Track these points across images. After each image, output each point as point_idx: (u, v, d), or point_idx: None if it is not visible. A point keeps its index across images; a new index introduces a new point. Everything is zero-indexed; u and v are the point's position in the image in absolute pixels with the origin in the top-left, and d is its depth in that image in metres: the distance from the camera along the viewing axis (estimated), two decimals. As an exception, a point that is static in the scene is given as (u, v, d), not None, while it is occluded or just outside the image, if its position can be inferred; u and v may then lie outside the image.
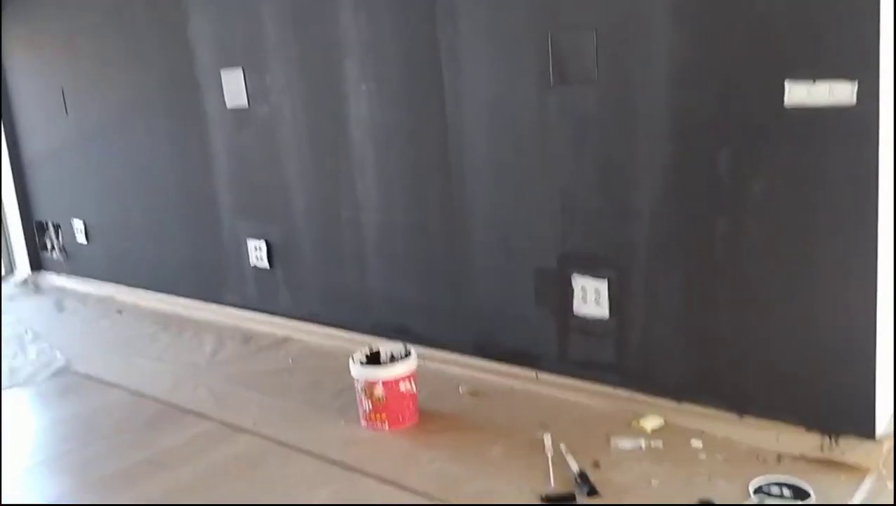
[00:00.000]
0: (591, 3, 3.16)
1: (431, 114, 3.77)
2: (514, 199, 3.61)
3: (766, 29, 2.75)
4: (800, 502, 2.56)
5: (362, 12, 3.90)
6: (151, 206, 5.37)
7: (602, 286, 3.40)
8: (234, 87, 4.55)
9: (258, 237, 4.77)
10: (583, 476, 2.80)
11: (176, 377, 4.13)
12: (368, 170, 4.13)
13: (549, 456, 3.00)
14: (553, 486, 2.79)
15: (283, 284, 4.75)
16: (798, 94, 2.70)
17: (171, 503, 2.38)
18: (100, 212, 5.84)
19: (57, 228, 6.31)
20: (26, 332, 5.11)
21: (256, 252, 4.80)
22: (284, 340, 4.61)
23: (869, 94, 2.58)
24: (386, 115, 3.97)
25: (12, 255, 6.70)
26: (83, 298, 5.91)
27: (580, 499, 2.69)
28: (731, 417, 3.08)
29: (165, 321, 5.15)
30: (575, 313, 3.51)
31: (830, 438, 2.84)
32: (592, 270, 3.43)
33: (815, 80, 2.66)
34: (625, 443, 3.05)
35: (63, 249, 6.29)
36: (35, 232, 6.57)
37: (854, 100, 2.60)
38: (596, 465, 2.93)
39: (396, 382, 3.38)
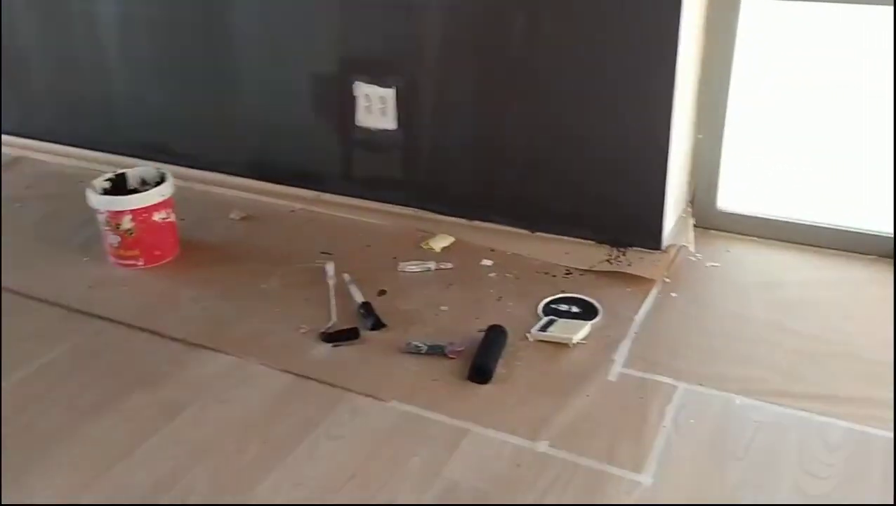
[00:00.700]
0: None
1: None
2: (282, -12, 3.02)
3: None
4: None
5: None
6: None
7: (388, 95, 3.01)
8: None
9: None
10: (366, 307, 2.54)
11: None
12: (98, -52, 3.29)
13: (332, 286, 2.70)
14: (335, 321, 2.51)
15: (10, 96, 3.88)
16: None
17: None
18: None
19: None
20: None
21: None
22: (14, 163, 3.83)
23: None
24: None
25: None
26: None
27: (364, 333, 2.44)
28: (523, 233, 2.93)
29: None
30: (358, 126, 3.11)
31: (618, 250, 2.78)
32: (377, 77, 3.01)
33: None
34: (412, 266, 2.82)
35: None
36: None
37: None
38: (382, 293, 2.68)
39: (148, 211, 2.86)
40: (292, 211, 3.31)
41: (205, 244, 3.09)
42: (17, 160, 3.85)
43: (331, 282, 2.73)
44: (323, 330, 2.46)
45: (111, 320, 2.58)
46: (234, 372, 2.30)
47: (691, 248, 2.77)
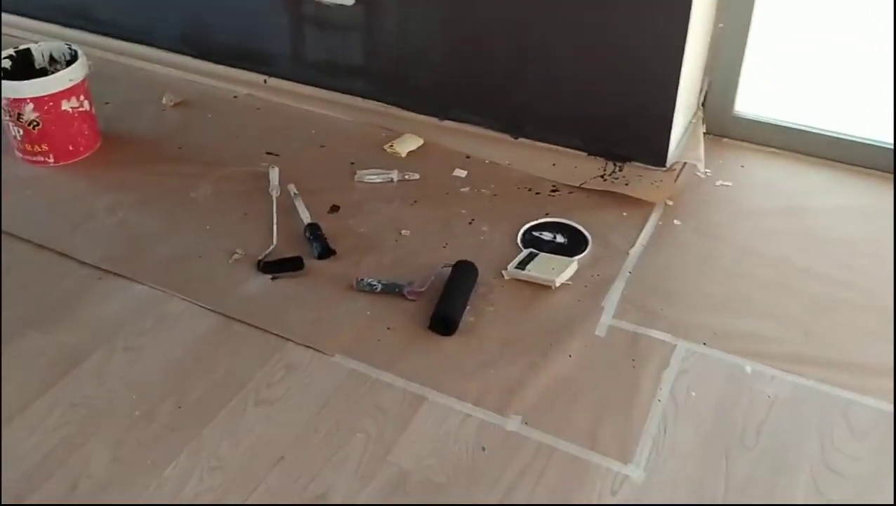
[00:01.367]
0: None
1: None
2: None
3: None
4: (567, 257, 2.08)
5: None
6: None
7: (345, -40, 2.47)
8: None
9: None
10: (314, 229, 2.13)
11: None
12: None
13: (275, 199, 2.28)
14: (275, 245, 2.11)
15: None
16: None
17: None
18: None
19: None
20: None
21: None
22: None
23: None
24: None
25: None
26: None
27: (309, 262, 2.05)
28: (503, 138, 2.48)
29: None
30: (312, -1, 2.58)
31: (614, 165, 2.35)
32: (333, -64, 2.45)
33: None
34: (372, 176, 2.39)
35: None
36: None
37: None
38: (334, 209, 2.26)
39: (55, 99, 2.37)
40: (234, 97, 2.82)
41: (129, 137, 2.62)
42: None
43: (274, 194, 2.30)
44: (261, 257, 2.06)
45: (9, 234, 2.16)
46: (150, 308, 1.92)
47: (700, 166, 2.35)
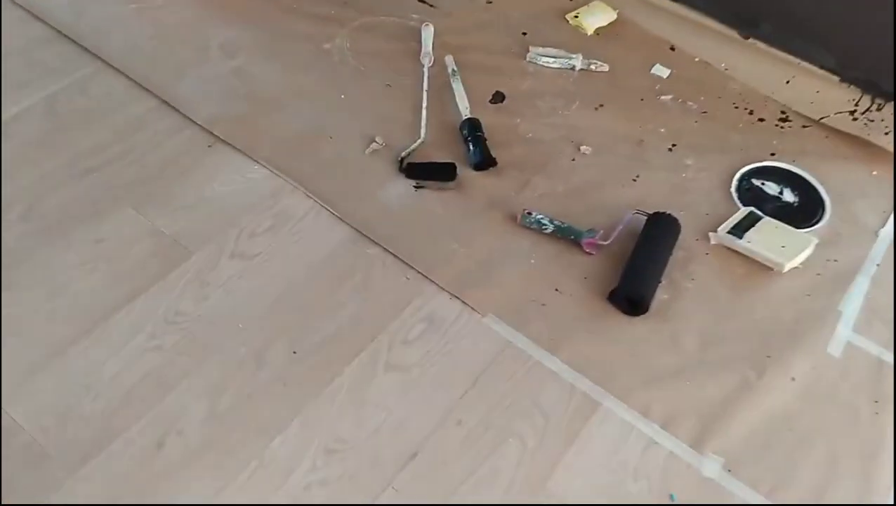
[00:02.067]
0: None
1: None
2: None
3: None
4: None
5: None
6: None
7: None
8: None
9: None
10: (473, 128, 1.68)
11: None
12: None
13: (427, 70, 1.81)
14: (423, 140, 1.68)
15: None
16: None
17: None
18: None
19: None
20: None
21: None
22: None
23: None
24: None
25: None
26: None
27: (463, 171, 1.62)
28: (727, 32, 1.89)
29: None
30: None
31: (873, 100, 1.77)
32: None
33: None
34: (549, 58, 1.88)
35: None
36: None
37: None
38: (498, 98, 1.79)
39: None
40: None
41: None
42: None
43: (426, 63, 1.83)
44: (404, 154, 1.64)
45: (102, 60, 1.79)
46: (267, 201, 1.56)
47: None
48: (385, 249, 1.49)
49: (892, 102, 1.73)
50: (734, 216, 1.55)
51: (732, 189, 1.63)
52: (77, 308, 1.37)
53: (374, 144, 1.66)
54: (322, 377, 1.31)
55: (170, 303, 1.39)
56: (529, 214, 1.53)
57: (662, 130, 1.75)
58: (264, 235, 1.50)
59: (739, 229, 1.52)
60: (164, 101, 1.73)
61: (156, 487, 1.18)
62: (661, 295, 1.45)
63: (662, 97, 1.82)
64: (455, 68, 1.81)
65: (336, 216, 1.53)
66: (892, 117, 1.73)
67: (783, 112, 1.80)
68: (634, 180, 1.64)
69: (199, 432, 1.24)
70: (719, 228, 1.53)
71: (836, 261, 1.52)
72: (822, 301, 1.46)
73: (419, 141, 1.67)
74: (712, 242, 1.53)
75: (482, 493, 1.20)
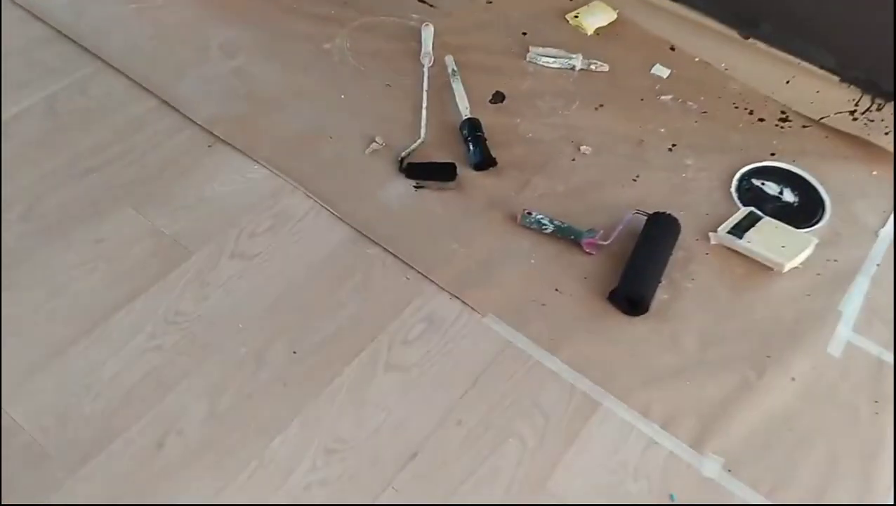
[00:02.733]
0: None
1: None
2: None
3: None
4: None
5: None
6: None
7: None
8: None
9: None
10: (472, 128, 1.68)
11: None
12: None
13: (427, 70, 1.81)
14: (423, 139, 1.68)
15: None
16: None
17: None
18: None
19: None
20: None
21: None
22: None
23: None
24: None
25: None
26: None
27: (463, 171, 1.62)
28: (727, 33, 1.89)
29: None
30: None
31: (873, 101, 1.76)
32: None
33: None
34: (549, 58, 1.88)
35: None
36: None
37: None
38: (498, 98, 1.79)
39: None
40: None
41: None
42: None
43: (426, 63, 1.83)
44: (404, 154, 1.64)
45: (102, 61, 1.79)
46: (267, 201, 1.55)
47: None
48: (385, 249, 1.49)
49: (892, 102, 1.73)
50: (734, 216, 1.55)
51: (732, 189, 1.63)
52: (77, 308, 1.37)
53: (374, 144, 1.66)
54: (322, 377, 1.31)
55: (170, 303, 1.39)
56: (529, 214, 1.53)
57: (662, 130, 1.75)
58: (264, 235, 1.50)
59: (739, 229, 1.52)
60: (164, 101, 1.73)
61: (156, 487, 1.18)
62: (661, 295, 1.45)
63: (662, 97, 1.82)
64: (455, 68, 1.81)
65: (336, 216, 1.53)
66: (892, 117, 1.73)
67: (783, 112, 1.80)
68: (634, 180, 1.64)
69: (199, 432, 1.23)
70: (719, 228, 1.53)
71: (836, 261, 1.52)
72: (822, 301, 1.46)
73: (419, 141, 1.67)
74: (712, 242, 1.53)
75: (482, 493, 1.20)
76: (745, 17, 1.85)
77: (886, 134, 1.71)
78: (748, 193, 1.62)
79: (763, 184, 1.64)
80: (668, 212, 1.53)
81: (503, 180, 1.62)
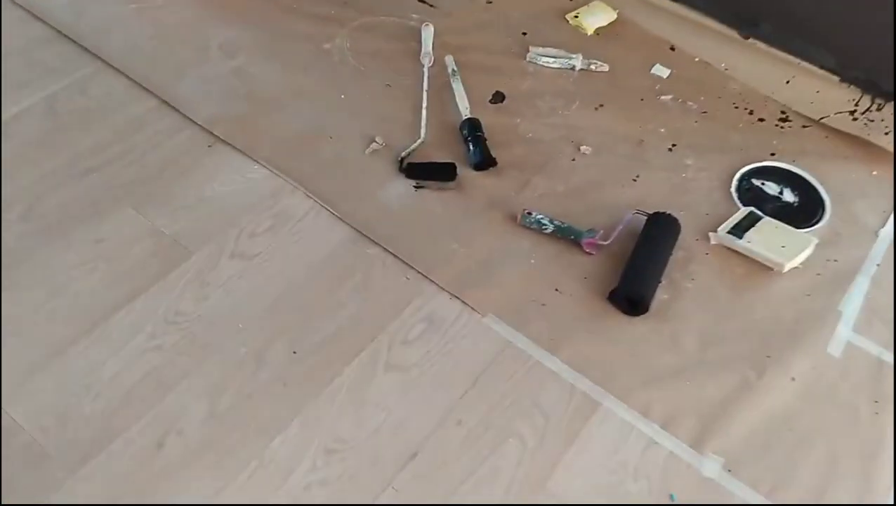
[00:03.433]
0: None
1: None
2: None
3: None
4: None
5: None
6: None
7: None
8: None
9: None
10: (473, 128, 1.68)
11: None
12: None
13: (427, 70, 1.81)
14: (423, 139, 1.68)
15: None
16: None
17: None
18: None
19: None
20: None
21: None
22: None
23: None
24: None
25: None
26: None
27: (463, 171, 1.62)
28: (727, 33, 1.89)
29: None
30: None
31: (873, 101, 1.77)
32: None
33: None
34: (549, 58, 1.88)
35: None
36: None
37: None
38: (498, 98, 1.79)
39: None
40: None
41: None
42: None
43: (426, 63, 1.83)
44: (404, 154, 1.64)
45: (103, 61, 1.79)
46: (267, 201, 1.55)
47: None
48: (385, 249, 1.49)
49: (892, 102, 1.73)
50: (734, 216, 1.55)
51: (732, 189, 1.63)
52: (77, 308, 1.37)
53: (374, 144, 1.66)
54: (322, 377, 1.31)
55: (170, 303, 1.39)
56: (529, 214, 1.53)
57: (662, 130, 1.75)
58: (264, 235, 1.50)
59: (739, 229, 1.52)
60: (164, 101, 1.73)
61: (156, 487, 1.18)
62: (661, 295, 1.45)
63: (662, 97, 1.82)
64: (455, 68, 1.81)
65: (336, 216, 1.53)
66: (892, 117, 1.73)
67: (783, 112, 1.80)
68: (634, 180, 1.64)
69: (199, 432, 1.23)
70: (719, 228, 1.53)
71: (836, 261, 1.52)
72: (822, 301, 1.46)
73: (419, 141, 1.67)
74: (712, 242, 1.53)
75: (482, 493, 1.20)
76: (745, 17, 1.85)
77: (886, 134, 1.71)
78: (748, 193, 1.62)
79: (763, 184, 1.65)
80: (668, 212, 1.53)
81: (503, 180, 1.62)
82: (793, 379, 1.34)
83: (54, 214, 1.51)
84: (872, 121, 1.74)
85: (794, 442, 1.27)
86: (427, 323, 1.39)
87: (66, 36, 1.85)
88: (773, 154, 1.71)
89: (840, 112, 1.77)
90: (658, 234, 1.50)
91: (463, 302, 1.42)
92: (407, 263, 1.47)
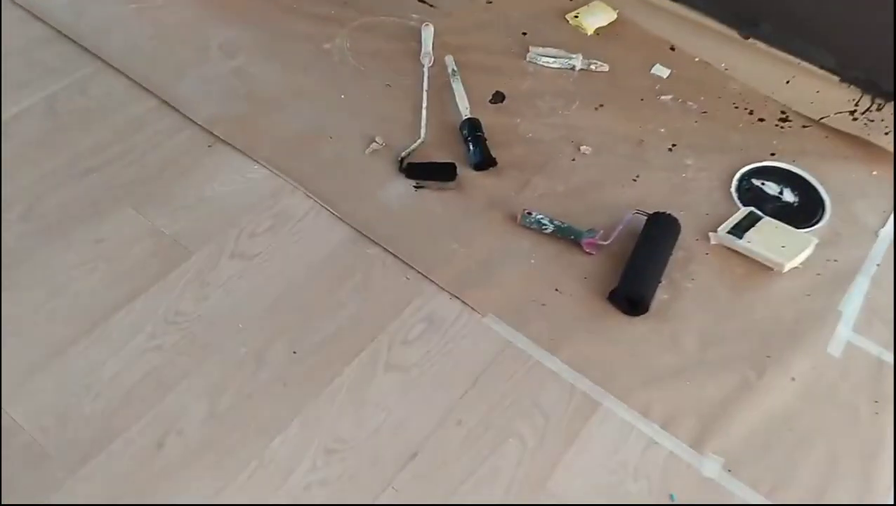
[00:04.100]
0: None
1: None
2: None
3: None
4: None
5: None
6: None
7: None
8: None
9: None
10: (473, 128, 1.68)
11: None
12: None
13: (427, 70, 1.81)
14: (423, 139, 1.68)
15: None
16: None
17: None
18: None
19: None
20: None
21: None
22: None
23: None
24: None
25: None
26: None
27: (463, 171, 1.62)
28: (727, 33, 1.89)
29: None
30: None
31: (873, 101, 1.77)
32: None
33: None
34: (549, 58, 1.88)
35: None
36: None
37: None
38: (498, 98, 1.79)
39: None
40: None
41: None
42: None
43: (426, 63, 1.83)
44: (404, 154, 1.64)
45: (102, 61, 1.79)
46: (267, 201, 1.55)
47: None
48: (385, 249, 1.49)
49: (892, 102, 1.73)
50: (734, 216, 1.55)
51: (732, 189, 1.63)
52: (77, 308, 1.37)
53: (374, 144, 1.66)
54: (322, 377, 1.31)
55: (170, 303, 1.39)
56: (529, 214, 1.53)
57: (662, 130, 1.75)
58: (264, 235, 1.50)
59: (739, 229, 1.52)
60: (164, 101, 1.73)
61: (156, 487, 1.18)
62: (661, 295, 1.45)
63: (662, 97, 1.82)
64: (455, 68, 1.81)
65: (336, 216, 1.53)
66: (892, 117, 1.73)
67: (783, 112, 1.80)
68: (634, 180, 1.64)
69: (199, 432, 1.23)
70: (719, 228, 1.53)
71: (836, 261, 1.52)
72: (822, 301, 1.46)
73: (419, 141, 1.67)
74: (712, 242, 1.53)
75: (482, 493, 1.20)
76: (745, 17, 1.85)
77: (886, 134, 1.71)
78: (748, 193, 1.62)
79: (763, 184, 1.65)
80: (668, 212, 1.53)
81: (503, 180, 1.62)
82: (793, 379, 1.34)
83: (54, 214, 1.51)
84: (872, 121, 1.74)
85: (794, 442, 1.27)
86: (427, 323, 1.39)
87: (66, 36, 1.85)
88: (773, 154, 1.71)
89: (840, 112, 1.77)
90: (658, 234, 1.50)
91: (463, 302, 1.42)
92: (407, 263, 1.47)
